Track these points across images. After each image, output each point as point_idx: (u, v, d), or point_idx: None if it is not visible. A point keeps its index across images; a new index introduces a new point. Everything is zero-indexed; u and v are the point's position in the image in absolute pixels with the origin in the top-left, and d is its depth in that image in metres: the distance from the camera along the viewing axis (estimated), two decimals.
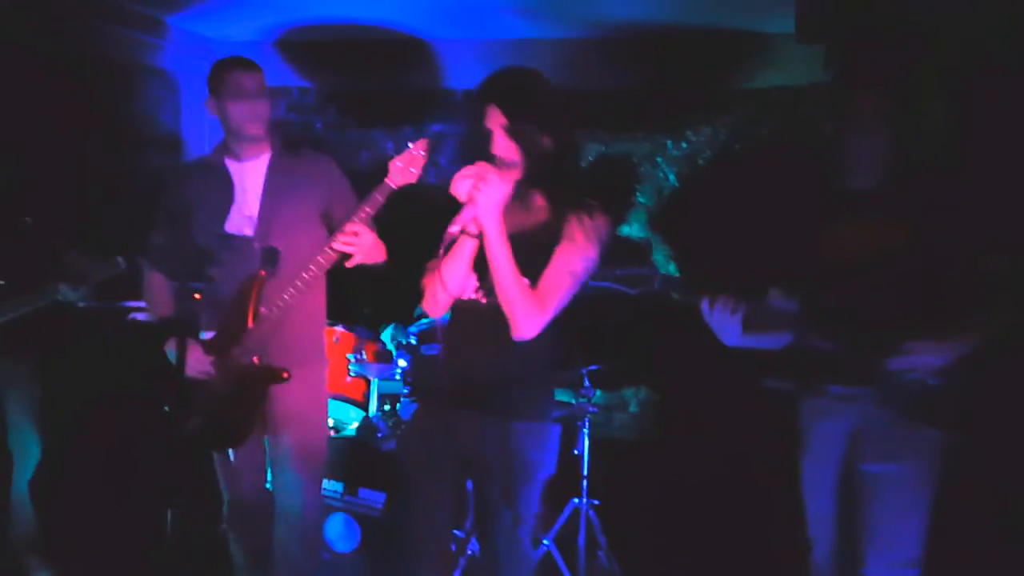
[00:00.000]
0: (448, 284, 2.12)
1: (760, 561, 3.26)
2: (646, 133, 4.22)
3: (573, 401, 3.51)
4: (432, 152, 2.48)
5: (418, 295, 2.22)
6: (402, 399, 3.68)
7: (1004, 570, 2.84)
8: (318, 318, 2.83)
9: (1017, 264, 2.18)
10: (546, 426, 2.18)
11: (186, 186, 2.75)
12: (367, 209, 2.48)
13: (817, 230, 2.33)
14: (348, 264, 2.56)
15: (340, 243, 2.51)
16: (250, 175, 2.71)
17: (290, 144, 2.77)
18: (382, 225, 2.64)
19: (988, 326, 2.15)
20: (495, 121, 2.09)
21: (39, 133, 3.48)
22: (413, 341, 3.57)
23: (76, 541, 3.32)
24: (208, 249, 2.70)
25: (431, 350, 3.48)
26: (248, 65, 2.67)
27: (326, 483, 3.18)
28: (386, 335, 3.82)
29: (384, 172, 2.46)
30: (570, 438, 3.49)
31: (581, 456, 3.47)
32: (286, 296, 2.57)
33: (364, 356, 3.59)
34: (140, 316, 3.52)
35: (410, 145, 2.43)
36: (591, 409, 3.48)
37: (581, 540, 3.43)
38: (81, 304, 2.92)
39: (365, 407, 3.70)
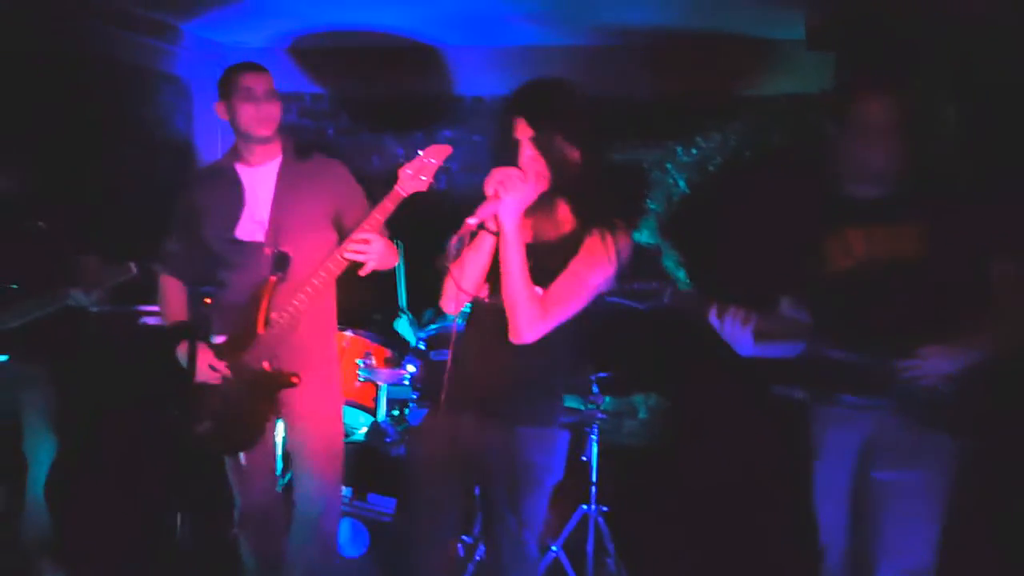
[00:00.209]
0: (464, 279, 2.12)
1: (770, 568, 3.25)
2: (656, 139, 4.22)
3: (582, 407, 3.51)
4: (443, 159, 2.48)
5: (428, 298, 2.23)
6: (411, 404, 3.68)
7: None
8: (329, 323, 2.84)
9: None
10: (552, 431, 2.19)
11: (198, 192, 2.77)
12: (377, 216, 2.50)
13: (826, 238, 2.33)
14: (361, 272, 2.57)
15: (350, 251, 2.52)
16: (261, 180, 2.73)
17: (301, 149, 2.78)
18: (393, 229, 2.65)
19: (1001, 332, 2.14)
20: (522, 132, 2.10)
21: (53, 138, 3.52)
22: (423, 346, 3.58)
23: (89, 544, 3.34)
24: (220, 254, 2.72)
25: (440, 356, 3.49)
26: (256, 68, 2.69)
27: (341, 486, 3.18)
28: (401, 324, 3.82)
29: (394, 179, 2.47)
30: (579, 444, 3.49)
31: (590, 462, 3.47)
32: (296, 302, 2.59)
33: (373, 361, 3.61)
34: (152, 320, 3.54)
35: (420, 152, 2.44)
36: (600, 415, 3.47)
37: (590, 547, 3.42)
38: (93, 309, 2.94)
39: (374, 412, 3.71)
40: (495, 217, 2.07)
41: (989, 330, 2.14)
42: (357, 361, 3.61)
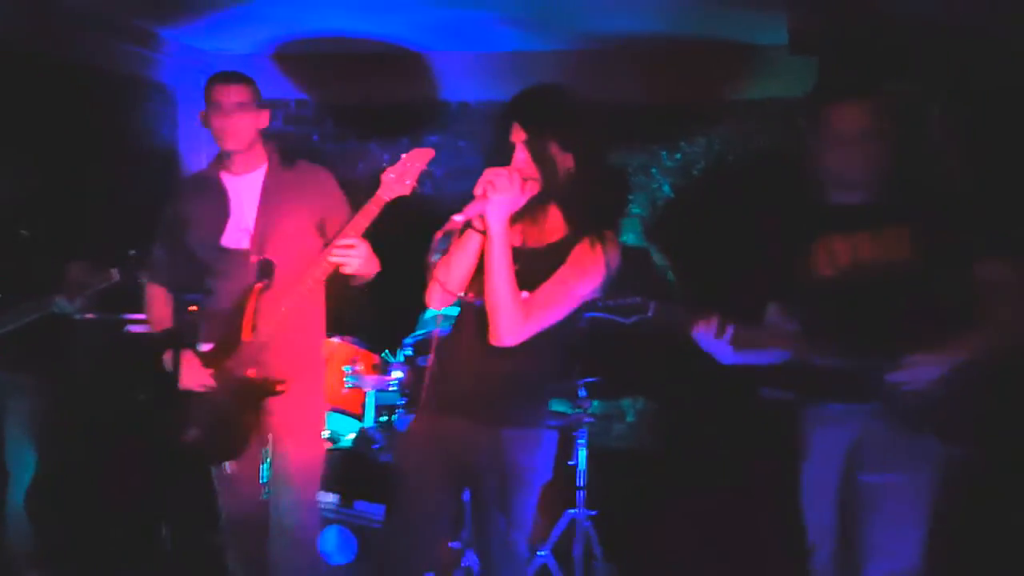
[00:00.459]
0: (449, 277, 2.11)
1: (759, 570, 3.26)
2: (641, 144, 4.23)
3: (569, 412, 3.51)
4: (426, 162, 2.48)
5: (418, 306, 2.23)
6: (398, 410, 3.67)
7: None
8: (316, 330, 2.83)
9: (1014, 271, 2.18)
10: (539, 432, 2.19)
11: (183, 200, 2.76)
12: (360, 221, 2.49)
13: (811, 244, 2.34)
14: (344, 272, 2.57)
15: (334, 255, 2.52)
16: (246, 188, 2.72)
17: (286, 157, 2.78)
18: (376, 236, 2.64)
19: (986, 336, 2.15)
20: (517, 135, 2.10)
21: (36, 145, 3.49)
22: (410, 352, 3.57)
23: (73, 555, 3.31)
24: (205, 262, 2.71)
25: (427, 361, 3.48)
26: (227, 79, 2.68)
27: (322, 495, 3.17)
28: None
29: (378, 184, 2.47)
30: (567, 449, 3.49)
31: (577, 467, 3.47)
32: (282, 309, 2.58)
33: (360, 367, 3.59)
34: (137, 328, 3.53)
35: (403, 156, 2.43)
36: (587, 420, 3.48)
37: (578, 551, 3.42)
38: (77, 316, 2.92)
39: (361, 419, 3.69)
40: (482, 216, 2.07)
41: (974, 335, 2.15)
42: (344, 367, 3.60)
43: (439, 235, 2.05)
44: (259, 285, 2.63)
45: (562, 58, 4.08)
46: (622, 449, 4.27)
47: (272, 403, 2.66)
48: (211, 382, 2.61)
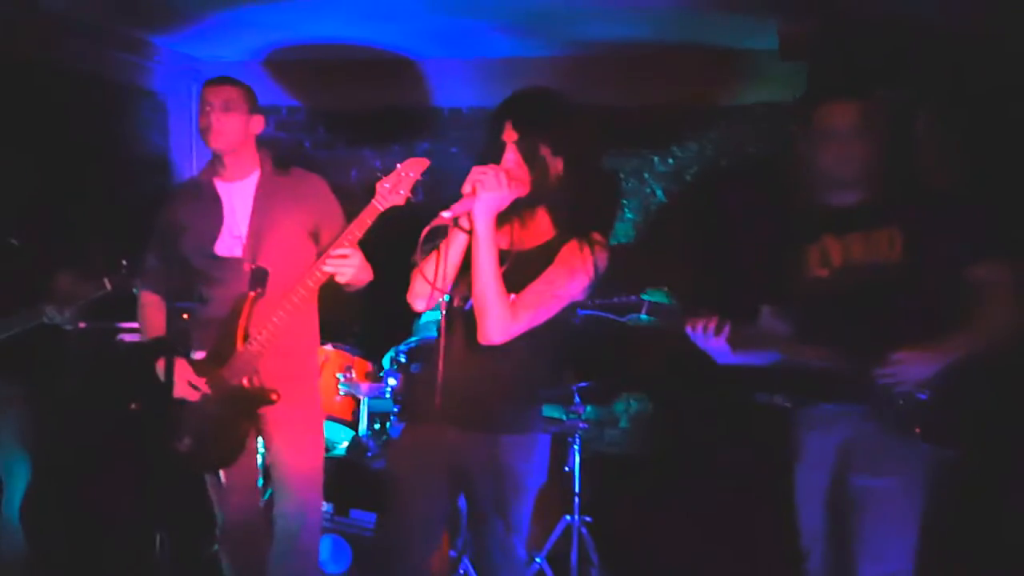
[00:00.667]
0: (436, 276, 2.10)
1: (754, 574, 3.25)
2: (633, 149, 4.24)
3: (564, 417, 3.51)
4: (421, 172, 2.47)
5: (411, 313, 2.23)
6: (392, 418, 3.67)
7: None
8: (310, 338, 2.83)
9: (1005, 272, 2.18)
10: (532, 437, 2.19)
11: (176, 207, 2.75)
12: (355, 231, 2.48)
13: (804, 246, 2.35)
14: (338, 280, 2.56)
15: (328, 265, 2.51)
16: (239, 195, 2.72)
17: (280, 163, 2.78)
18: (368, 243, 2.63)
19: (975, 337, 2.16)
20: (508, 136, 2.11)
21: (26, 153, 3.48)
22: (403, 359, 3.57)
23: (68, 565, 3.29)
24: (199, 270, 2.70)
25: (419, 368, 3.48)
26: (219, 80, 2.69)
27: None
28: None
29: (372, 192, 2.46)
30: (561, 455, 3.49)
31: (573, 473, 3.46)
32: (275, 318, 2.57)
33: (353, 375, 3.59)
34: (130, 337, 3.51)
35: (398, 166, 2.43)
36: (582, 425, 3.48)
37: (574, 557, 3.42)
38: (68, 327, 2.90)
39: (355, 426, 3.68)
40: (469, 214, 2.06)
41: (963, 335, 2.16)
42: (337, 375, 3.59)
43: (426, 232, 2.05)
44: (252, 293, 2.62)
45: (554, 64, 4.09)
46: (616, 454, 4.27)
47: (268, 412, 2.65)
48: (204, 391, 2.60)
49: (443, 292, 2.12)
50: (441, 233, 2.10)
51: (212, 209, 2.71)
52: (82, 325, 3.04)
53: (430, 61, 4.37)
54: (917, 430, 2.16)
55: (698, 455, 3.95)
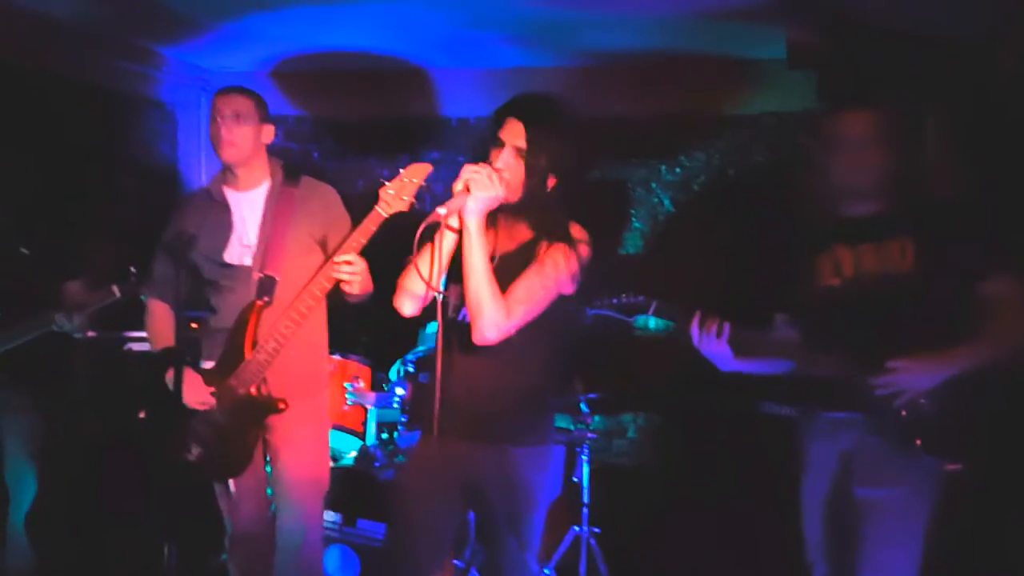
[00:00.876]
0: (424, 276, 2.07)
1: None
2: (640, 158, 4.24)
3: (572, 428, 3.50)
4: (424, 177, 2.45)
5: (419, 322, 2.22)
6: (400, 428, 3.66)
7: None
8: (318, 347, 2.82)
9: (1018, 288, 2.17)
10: (547, 449, 2.18)
11: (186, 216, 2.75)
12: (360, 238, 2.47)
13: (815, 255, 2.34)
14: (343, 289, 2.55)
15: (334, 272, 2.51)
16: (249, 205, 2.72)
17: (290, 173, 2.78)
18: (375, 253, 2.62)
19: (978, 350, 2.14)
20: (510, 138, 2.10)
21: (36, 163, 3.50)
22: (411, 369, 3.56)
23: (73, 575, 3.28)
24: (208, 279, 2.70)
25: (428, 378, 3.47)
26: (230, 90, 2.69)
27: (324, 514, 3.15)
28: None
29: (376, 200, 2.44)
30: (569, 465, 3.47)
31: (581, 483, 3.45)
32: (283, 327, 2.57)
33: (361, 384, 3.58)
34: (138, 346, 3.51)
35: (401, 171, 2.40)
36: (590, 436, 3.46)
37: (582, 569, 3.40)
38: (77, 335, 2.91)
39: (363, 436, 3.67)
40: (460, 213, 2.05)
41: (971, 348, 2.14)
42: (345, 384, 3.59)
43: (422, 228, 2.03)
44: (261, 302, 2.62)
45: (562, 74, 4.10)
46: (624, 465, 4.25)
47: (275, 421, 2.65)
48: (212, 400, 2.60)
49: (436, 290, 2.09)
50: (435, 231, 2.09)
51: (221, 218, 2.71)
52: (91, 334, 3.04)
53: (438, 71, 4.38)
54: (918, 442, 2.15)
55: (706, 465, 3.93)
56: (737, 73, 4.00)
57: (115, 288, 2.77)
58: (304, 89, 4.56)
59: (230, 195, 2.73)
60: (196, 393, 2.59)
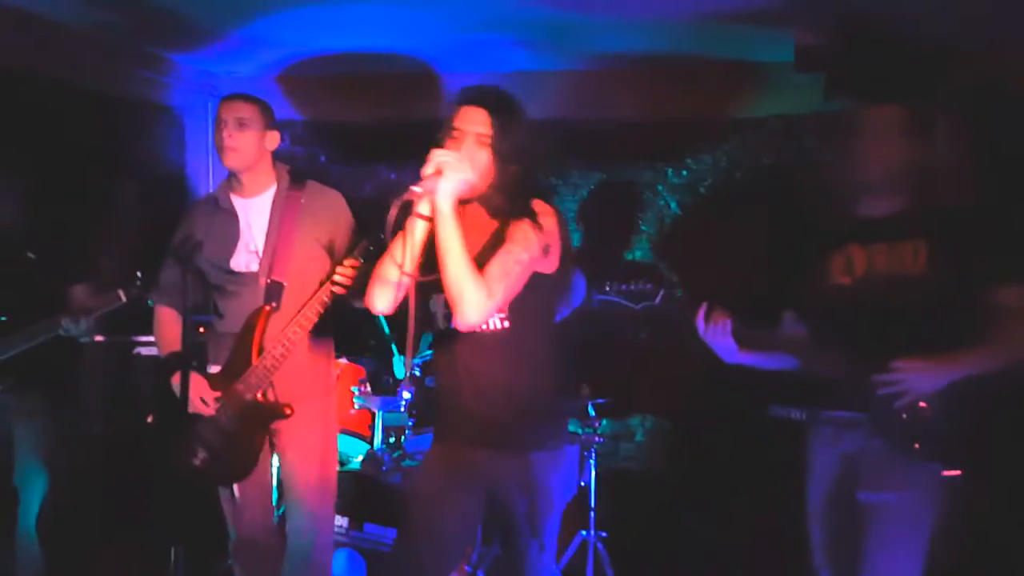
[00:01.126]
0: (398, 265, 2.06)
1: None
2: (647, 161, 4.24)
3: (580, 432, 3.49)
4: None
5: (425, 328, 2.23)
6: (407, 431, 3.66)
7: None
8: (325, 352, 2.82)
9: None
10: (564, 451, 2.20)
11: (193, 222, 2.77)
12: (367, 246, 2.48)
13: (821, 254, 2.33)
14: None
15: (340, 278, 2.51)
16: (255, 210, 2.73)
17: (296, 178, 2.78)
18: None
19: (989, 356, 2.12)
20: (475, 124, 2.11)
21: (44, 168, 3.51)
22: (418, 373, 3.56)
23: None
24: (215, 284, 2.71)
25: (434, 383, 3.47)
26: (235, 97, 2.69)
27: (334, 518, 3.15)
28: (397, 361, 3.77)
29: (386, 208, 2.44)
30: (579, 469, 3.47)
31: (588, 487, 3.44)
32: (290, 332, 2.58)
33: (368, 388, 3.58)
34: (146, 351, 3.52)
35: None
36: (598, 440, 3.46)
37: (590, 572, 3.39)
38: (83, 339, 2.92)
39: (370, 440, 3.68)
40: (431, 198, 2.04)
41: (976, 353, 2.13)
42: (352, 388, 3.59)
43: (395, 208, 2.01)
44: (268, 307, 2.63)
45: (570, 78, 4.10)
46: (631, 469, 4.24)
47: (283, 425, 2.65)
48: (218, 405, 2.60)
49: (410, 274, 2.07)
50: (408, 213, 2.07)
51: (228, 224, 2.72)
52: (98, 338, 3.05)
53: (446, 75, 4.38)
54: (916, 446, 2.14)
55: (713, 469, 3.92)
56: (744, 76, 3.99)
57: (121, 292, 2.78)
58: (311, 93, 4.57)
59: (236, 202, 2.74)
60: (202, 398, 2.59)
